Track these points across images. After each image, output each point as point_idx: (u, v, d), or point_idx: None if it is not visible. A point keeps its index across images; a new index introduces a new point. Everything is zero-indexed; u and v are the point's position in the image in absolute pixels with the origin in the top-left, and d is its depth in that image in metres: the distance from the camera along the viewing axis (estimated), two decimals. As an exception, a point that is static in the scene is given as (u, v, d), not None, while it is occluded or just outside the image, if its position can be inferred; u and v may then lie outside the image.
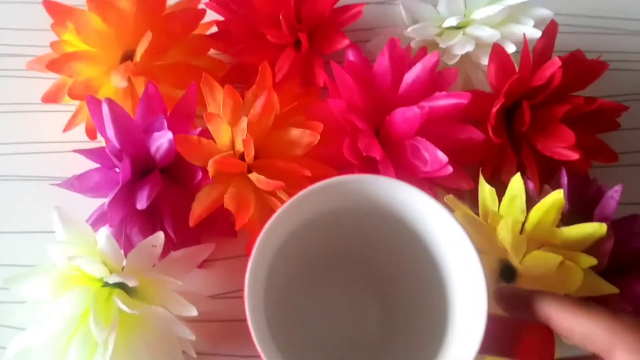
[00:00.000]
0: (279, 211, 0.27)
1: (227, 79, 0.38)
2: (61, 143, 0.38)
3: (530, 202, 0.32)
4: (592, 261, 0.31)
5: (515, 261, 0.32)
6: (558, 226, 0.32)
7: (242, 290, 0.26)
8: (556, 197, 0.31)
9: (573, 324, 0.25)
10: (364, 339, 0.34)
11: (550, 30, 0.36)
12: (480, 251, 0.33)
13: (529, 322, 0.27)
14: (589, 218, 0.34)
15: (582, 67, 0.36)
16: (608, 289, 0.31)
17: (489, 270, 0.32)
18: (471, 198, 0.37)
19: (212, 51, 0.39)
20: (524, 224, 0.32)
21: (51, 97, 0.37)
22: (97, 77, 0.37)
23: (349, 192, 0.28)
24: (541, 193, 0.34)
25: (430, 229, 0.29)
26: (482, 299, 0.25)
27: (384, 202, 0.29)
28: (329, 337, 0.34)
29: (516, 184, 0.32)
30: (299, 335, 0.33)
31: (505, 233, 0.31)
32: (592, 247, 0.32)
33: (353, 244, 0.34)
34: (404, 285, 0.34)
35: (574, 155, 0.34)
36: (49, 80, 0.38)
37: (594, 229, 0.31)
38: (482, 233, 0.32)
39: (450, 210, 0.34)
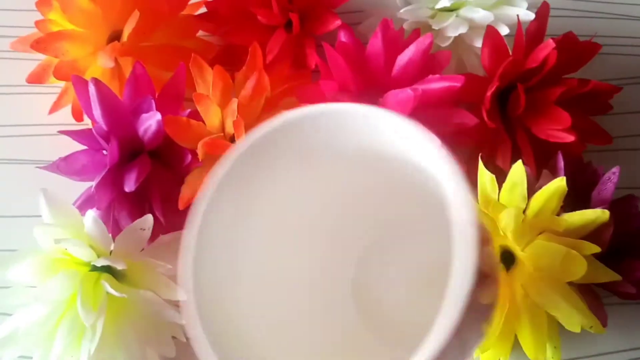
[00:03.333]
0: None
1: (216, 61, 0.37)
2: (47, 126, 0.38)
3: (529, 188, 0.32)
4: (595, 249, 0.31)
5: (517, 250, 0.31)
6: (558, 213, 0.31)
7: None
8: (558, 185, 0.31)
9: None
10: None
11: (542, 12, 0.36)
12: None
13: None
14: (585, 202, 0.34)
15: (575, 49, 0.36)
16: (611, 276, 0.31)
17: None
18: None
19: (201, 33, 0.38)
20: (524, 210, 0.32)
21: (36, 78, 0.36)
22: (84, 58, 0.36)
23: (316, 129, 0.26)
24: (540, 178, 0.34)
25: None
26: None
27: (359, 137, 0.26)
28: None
29: (517, 171, 0.32)
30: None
31: (507, 222, 0.30)
32: (592, 233, 0.32)
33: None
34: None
35: (570, 137, 0.34)
36: (34, 61, 0.37)
37: (596, 215, 0.31)
38: (482, 221, 0.31)
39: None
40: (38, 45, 0.34)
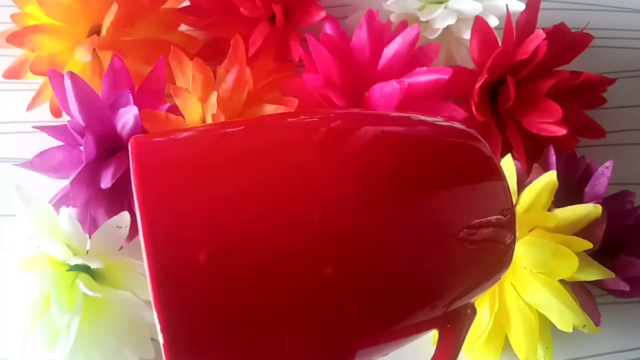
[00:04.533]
0: None
1: (200, 56, 0.36)
2: (25, 123, 0.36)
3: (519, 183, 0.31)
4: (586, 245, 0.30)
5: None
6: (549, 209, 0.30)
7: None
8: (549, 179, 0.30)
9: None
10: None
11: (533, 2, 0.35)
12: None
13: None
14: (578, 197, 0.33)
15: (566, 40, 0.35)
16: (603, 273, 0.30)
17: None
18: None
19: (184, 27, 0.38)
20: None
21: (13, 73, 0.35)
22: (62, 53, 0.35)
23: None
24: (530, 173, 0.33)
25: None
26: None
27: None
28: None
29: (506, 165, 0.31)
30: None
31: None
32: (584, 228, 0.31)
33: None
34: None
35: (561, 131, 0.33)
36: (12, 58, 0.36)
37: (588, 210, 0.30)
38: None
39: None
40: (14, 39, 0.33)
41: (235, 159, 0.22)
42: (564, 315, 0.30)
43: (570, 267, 0.29)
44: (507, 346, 0.32)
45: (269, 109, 0.33)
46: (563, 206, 0.32)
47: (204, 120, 0.33)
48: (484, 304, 0.31)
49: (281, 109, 0.33)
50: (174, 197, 0.21)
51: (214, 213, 0.20)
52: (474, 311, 0.24)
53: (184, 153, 0.22)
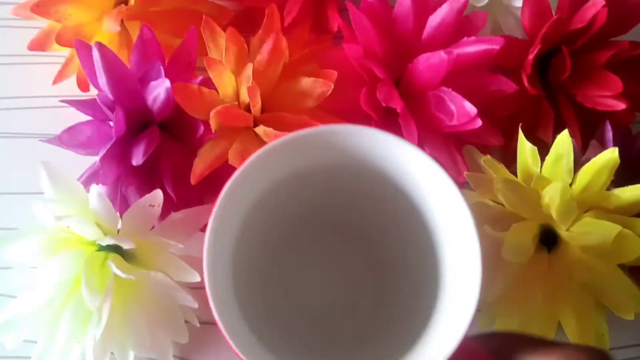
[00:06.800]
0: (241, 168, 0.23)
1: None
2: (51, 97, 0.35)
3: (575, 161, 0.29)
4: None
5: (561, 228, 0.28)
6: (608, 188, 0.28)
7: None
8: (609, 156, 0.27)
9: None
10: (352, 307, 0.31)
11: (591, -34, 0.32)
12: (521, 218, 0.30)
13: None
14: (635, 176, 0.31)
15: (626, 8, 0.32)
16: None
17: (529, 238, 0.29)
18: (501, 156, 0.34)
19: (215, -4, 0.36)
20: (570, 185, 0.29)
21: (38, 45, 0.34)
22: (89, 24, 0.33)
23: (323, 145, 0.25)
24: (587, 151, 0.31)
25: (419, 186, 0.25)
26: (476, 268, 0.22)
27: (362, 155, 0.25)
28: (311, 307, 0.31)
29: (563, 142, 0.28)
30: (277, 310, 0.30)
31: (552, 198, 0.27)
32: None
33: (330, 205, 0.30)
34: (391, 247, 0.30)
35: (621, 105, 0.31)
36: (36, 30, 0.34)
37: None
38: (524, 198, 0.28)
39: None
40: (39, 8, 0.31)
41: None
42: (624, 302, 0.28)
43: (634, 250, 0.27)
44: (559, 333, 0.30)
45: (306, 82, 0.31)
46: (616, 186, 0.29)
47: (238, 94, 0.31)
48: (535, 288, 0.30)
49: (319, 82, 0.31)
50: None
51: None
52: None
53: None
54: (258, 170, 0.24)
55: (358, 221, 0.31)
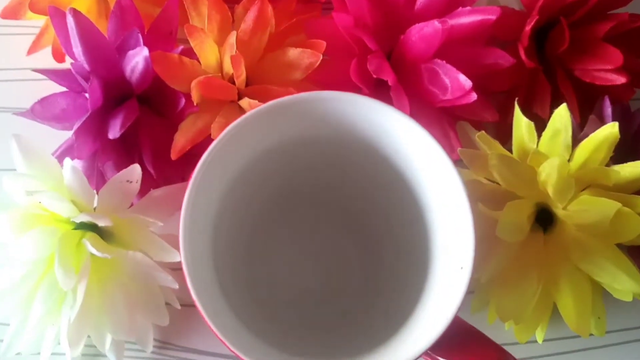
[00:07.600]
0: (218, 138, 0.22)
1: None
2: (25, 70, 0.33)
3: (573, 136, 0.28)
4: None
5: (557, 207, 0.27)
6: (607, 165, 0.27)
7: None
8: (609, 132, 0.26)
9: None
10: (339, 285, 0.30)
11: None
12: (516, 196, 0.28)
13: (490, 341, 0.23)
14: (634, 153, 0.29)
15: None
16: None
17: (525, 217, 0.28)
18: (495, 133, 0.32)
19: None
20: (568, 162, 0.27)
21: (11, 13, 0.32)
22: (65, -9, 0.32)
23: (306, 114, 0.24)
24: (585, 126, 0.29)
25: (407, 156, 0.24)
26: (469, 242, 0.21)
27: (347, 124, 0.24)
28: (296, 286, 0.30)
29: (561, 116, 0.27)
30: (260, 291, 0.29)
31: (549, 174, 0.26)
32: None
33: (313, 179, 0.29)
34: (379, 223, 0.29)
35: (620, 79, 0.29)
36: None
37: None
38: (519, 175, 0.27)
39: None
40: (11, -27, 0.30)
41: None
42: (623, 283, 0.27)
43: (633, 229, 0.26)
44: (555, 316, 0.29)
45: (293, 53, 0.30)
46: (615, 163, 0.28)
47: (221, 64, 0.30)
48: (530, 268, 0.29)
49: (307, 52, 0.29)
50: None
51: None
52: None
53: None
54: (237, 141, 0.22)
55: (343, 196, 0.29)
